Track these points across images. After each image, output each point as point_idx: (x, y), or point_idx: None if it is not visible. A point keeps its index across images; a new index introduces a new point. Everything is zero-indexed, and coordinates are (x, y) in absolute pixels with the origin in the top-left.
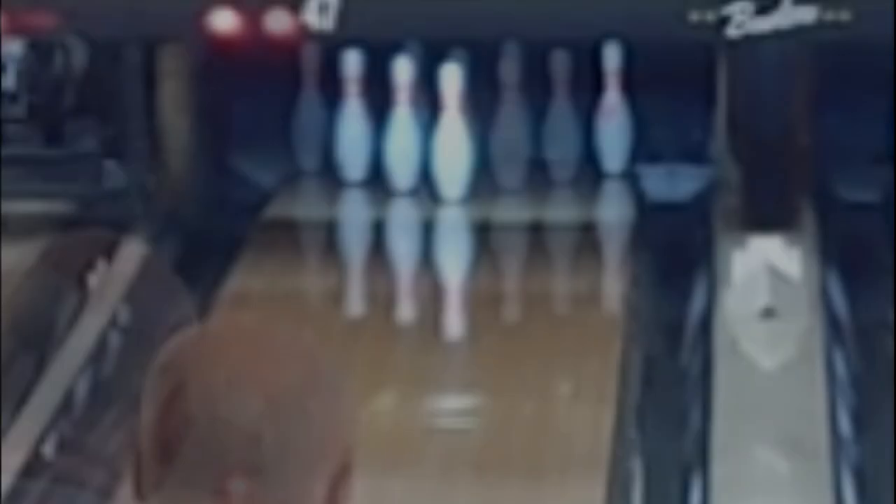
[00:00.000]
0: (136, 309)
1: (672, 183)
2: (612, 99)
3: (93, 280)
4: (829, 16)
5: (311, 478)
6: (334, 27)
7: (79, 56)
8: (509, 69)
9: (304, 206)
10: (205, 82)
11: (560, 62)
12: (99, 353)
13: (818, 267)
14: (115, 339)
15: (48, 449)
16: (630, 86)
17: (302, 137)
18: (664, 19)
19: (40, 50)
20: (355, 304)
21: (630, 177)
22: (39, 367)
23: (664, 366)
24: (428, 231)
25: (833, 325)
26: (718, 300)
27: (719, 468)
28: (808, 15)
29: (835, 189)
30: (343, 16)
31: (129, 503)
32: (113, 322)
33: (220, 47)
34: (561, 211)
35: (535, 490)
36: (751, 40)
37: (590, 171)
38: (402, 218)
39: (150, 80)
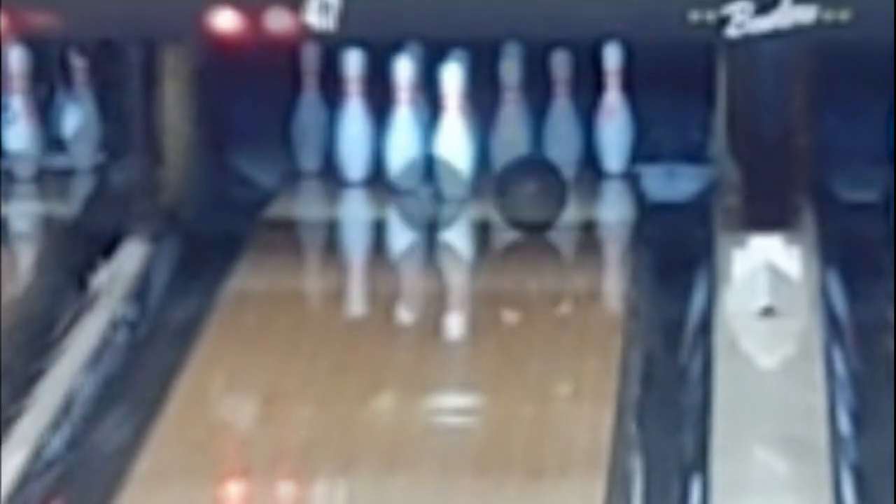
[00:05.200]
0: (138, 308)
1: (672, 183)
2: (613, 99)
3: (94, 280)
4: (829, 16)
5: None
6: (335, 27)
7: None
8: (509, 69)
9: (305, 206)
10: (206, 82)
11: (560, 62)
12: (101, 352)
13: (818, 266)
14: (116, 339)
15: (51, 447)
16: (630, 86)
17: (302, 137)
18: (664, 19)
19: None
20: (356, 304)
21: (630, 177)
22: (41, 367)
23: (664, 365)
24: (428, 230)
25: (832, 324)
26: (718, 299)
27: (719, 467)
28: (807, 15)
29: (835, 189)
30: (344, 16)
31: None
32: (115, 321)
33: (220, 47)
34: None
35: (535, 489)
36: (750, 40)
37: (590, 170)
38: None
39: (150, 80)
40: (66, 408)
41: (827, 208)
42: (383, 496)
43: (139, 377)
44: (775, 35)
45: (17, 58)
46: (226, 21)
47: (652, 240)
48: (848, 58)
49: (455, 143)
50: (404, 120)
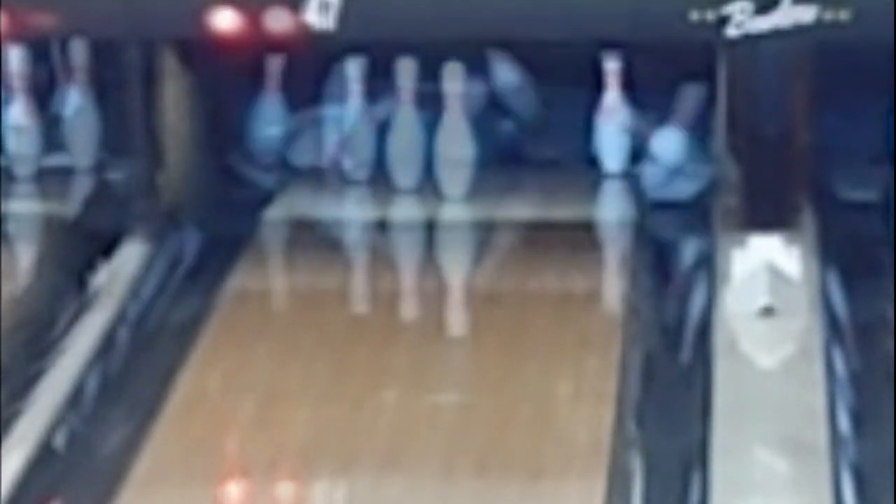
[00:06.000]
0: (138, 308)
1: (672, 183)
2: (612, 99)
3: (94, 280)
4: (829, 15)
5: None
6: (335, 27)
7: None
8: None
9: (305, 206)
10: (206, 82)
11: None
12: (101, 352)
13: (818, 266)
14: (117, 339)
15: (51, 447)
16: (630, 86)
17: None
18: (664, 19)
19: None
20: (355, 304)
21: (630, 176)
22: (41, 367)
23: (664, 365)
24: (430, 230)
25: (832, 323)
26: (718, 299)
27: (719, 467)
28: (807, 14)
29: (835, 188)
30: (344, 15)
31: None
32: (115, 321)
33: (221, 47)
34: (561, 210)
35: (535, 488)
36: (750, 40)
37: (590, 170)
38: (404, 216)
39: (150, 80)
40: (66, 407)
41: (827, 208)
42: (383, 496)
43: (139, 377)
44: (775, 35)
45: (17, 57)
46: (226, 21)
47: (652, 240)
48: (848, 58)
49: (457, 143)
50: (406, 119)
